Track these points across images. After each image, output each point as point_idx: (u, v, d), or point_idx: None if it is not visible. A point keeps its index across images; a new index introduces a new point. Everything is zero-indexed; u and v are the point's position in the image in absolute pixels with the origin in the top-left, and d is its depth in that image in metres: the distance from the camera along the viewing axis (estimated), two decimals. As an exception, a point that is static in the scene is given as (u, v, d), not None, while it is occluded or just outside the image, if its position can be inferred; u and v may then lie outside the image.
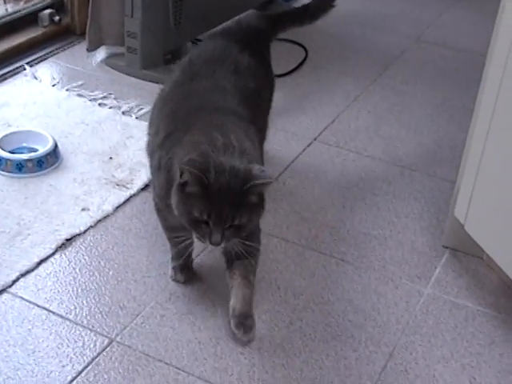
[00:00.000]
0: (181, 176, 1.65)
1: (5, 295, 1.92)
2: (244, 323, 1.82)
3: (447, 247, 2.19)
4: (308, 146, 2.61)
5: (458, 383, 1.79)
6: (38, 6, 3.10)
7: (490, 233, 2.00)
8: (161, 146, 1.84)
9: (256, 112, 1.98)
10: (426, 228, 2.27)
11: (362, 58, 3.25)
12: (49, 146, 2.36)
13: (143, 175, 2.34)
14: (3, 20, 3.00)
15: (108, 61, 2.97)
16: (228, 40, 2.09)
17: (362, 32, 3.50)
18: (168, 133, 1.85)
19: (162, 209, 1.87)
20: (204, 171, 1.62)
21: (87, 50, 2.95)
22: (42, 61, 2.97)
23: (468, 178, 2.01)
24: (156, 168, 1.85)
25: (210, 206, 1.64)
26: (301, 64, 3.11)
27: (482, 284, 2.09)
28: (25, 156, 2.33)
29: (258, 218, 1.76)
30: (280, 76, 2.98)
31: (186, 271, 2.01)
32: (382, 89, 3.01)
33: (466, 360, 1.86)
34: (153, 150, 1.91)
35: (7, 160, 2.31)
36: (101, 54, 3.01)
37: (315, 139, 2.65)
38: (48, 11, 3.07)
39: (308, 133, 2.68)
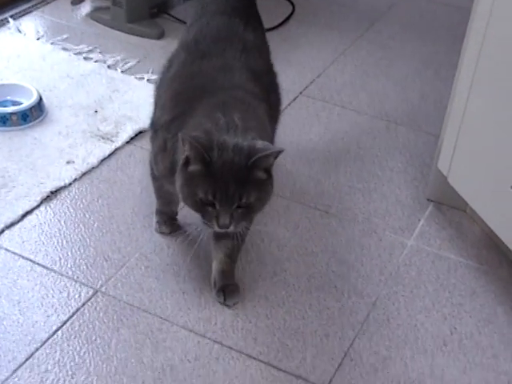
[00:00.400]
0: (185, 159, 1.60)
1: (-10, 247, 1.94)
2: (225, 292, 1.85)
3: (431, 200, 2.21)
4: (294, 100, 2.61)
5: (439, 333, 1.82)
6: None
7: (473, 185, 2.01)
8: (167, 128, 1.78)
9: (267, 88, 1.92)
10: (410, 181, 2.28)
11: (349, 12, 3.24)
12: (33, 100, 2.35)
13: (128, 128, 2.34)
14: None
15: (93, 14, 2.95)
16: (229, 16, 2.01)
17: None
18: (174, 116, 1.78)
19: (160, 178, 1.85)
20: (206, 147, 1.56)
21: (71, 3, 2.93)
22: (25, 14, 2.95)
23: (451, 130, 2.02)
24: (161, 149, 1.80)
25: (215, 184, 1.57)
26: (288, 18, 3.10)
27: (464, 236, 2.11)
28: (9, 109, 2.33)
29: (267, 198, 1.66)
30: (267, 30, 2.97)
31: (170, 223, 2.01)
32: (369, 43, 3.00)
33: (448, 310, 1.88)
34: (156, 129, 1.86)
35: (-9, 113, 2.31)
36: (86, 7, 2.99)
37: (301, 93, 2.65)
38: (32, -36, 3.04)
39: (294, 87, 2.67)
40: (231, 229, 1.62)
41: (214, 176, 1.57)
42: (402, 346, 1.78)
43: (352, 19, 3.18)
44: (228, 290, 1.85)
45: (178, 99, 1.81)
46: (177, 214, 2.02)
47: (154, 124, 1.91)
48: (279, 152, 1.60)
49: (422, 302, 1.90)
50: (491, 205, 1.95)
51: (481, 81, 1.89)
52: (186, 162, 1.60)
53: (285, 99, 2.57)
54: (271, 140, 1.81)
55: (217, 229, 1.62)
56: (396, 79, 2.78)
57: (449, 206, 2.18)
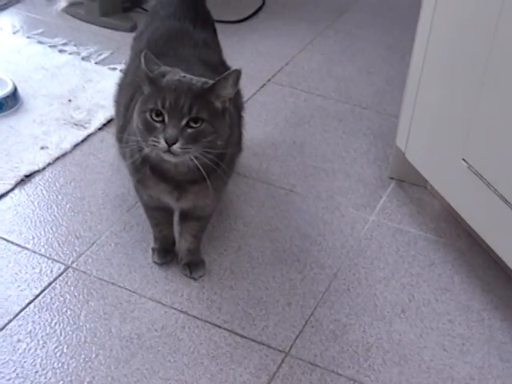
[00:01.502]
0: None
1: (-35, 228, 2.01)
2: (191, 266, 1.92)
3: (393, 178, 2.29)
4: (262, 86, 2.70)
5: (397, 300, 1.90)
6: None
7: (428, 160, 2.10)
8: (121, 133, 1.82)
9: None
10: (373, 161, 2.36)
11: (318, 4, 3.33)
12: (8, 89, 2.43)
13: (100, 116, 2.42)
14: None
15: (68, 9, 3.04)
16: (178, 18, 2.03)
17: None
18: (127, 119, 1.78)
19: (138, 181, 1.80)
20: (163, 71, 1.57)
21: (46, -1, 3.02)
22: (2, 10, 3.03)
23: (407, 108, 2.11)
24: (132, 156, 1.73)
25: (165, 95, 1.53)
26: (258, 11, 3.19)
27: (424, 211, 2.19)
28: (-16, 99, 2.41)
29: (220, 130, 1.60)
30: (237, 22, 3.07)
31: (164, 253, 1.96)
32: (336, 33, 3.09)
33: (406, 280, 1.96)
34: (121, 138, 1.84)
35: (-33, 103, 2.38)
36: (61, 2, 3.07)
37: (269, 80, 2.73)
38: (7, -39, 3.13)
39: (262, 74, 2.76)
40: (177, 148, 1.54)
41: (166, 90, 1.54)
42: (362, 314, 1.86)
43: (321, 10, 3.27)
44: (193, 264, 1.93)
45: (135, 103, 1.73)
46: (174, 243, 1.98)
47: (118, 137, 1.90)
48: (238, 73, 1.57)
49: (382, 272, 1.98)
50: (446, 178, 2.03)
51: (431, 60, 1.99)
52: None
53: (253, 86, 2.68)
54: (237, 125, 1.87)
55: (163, 144, 1.54)
56: (362, 65, 2.87)
57: (410, 183, 2.27)
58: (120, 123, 1.89)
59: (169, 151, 1.54)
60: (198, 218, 1.87)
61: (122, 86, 1.99)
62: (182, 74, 1.59)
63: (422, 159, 2.12)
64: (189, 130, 1.55)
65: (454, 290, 1.94)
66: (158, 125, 1.54)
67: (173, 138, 1.53)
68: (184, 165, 1.62)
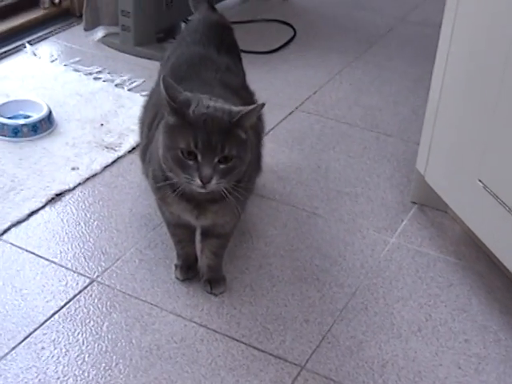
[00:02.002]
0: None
1: (-4, 242, 2.09)
2: (212, 282, 1.97)
3: (415, 203, 2.32)
4: (289, 114, 2.76)
5: (414, 319, 1.92)
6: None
7: (447, 182, 2.14)
8: (143, 152, 1.90)
9: (247, 102, 1.90)
10: (396, 186, 2.40)
11: (348, 36, 3.39)
12: (43, 113, 2.52)
13: (131, 139, 2.49)
14: (6, 2, 3.18)
15: (104, 39, 3.15)
16: (203, 45, 2.08)
17: (349, 12, 3.66)
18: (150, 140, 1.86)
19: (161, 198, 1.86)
20: (185, 100, 1.61)
21: (84, 29, 3.12)
22: (42, 40, 3.14)
23: (426, 131, 2.17)
24: (147, 164, 1.85)
25: (197, 134, 1.58)
26: (289, 42, 3.26)
27: (444, 235, 2.21)
28: (21, 121, 2.50)
29: (246, 159, 1.67)
30: (267, 53, 3.15)
31: (186, 269, 2.01)
32: (365, 64, 3.14)
33: (424, 300, 1.99)
34: (144, 158, 1.93)
35: (4, 125, 2.48)
36: (98, 33, 3.19)
37: (297, 108, 2.79)
38: (48, -6, 3.25)
39: (290, 102, 2.82)
40: (213, 184, 1.61)
41: (195, 127, 1.59)
42: (378, 331, 1.89)
43: (351, 42, 3.33)
44: (214, 280, 1.98)
45: (157, 123, 1.82)
46: (196, 260, 2.02)
47: (141, 156, 1.97)
48: (262, 106, 1.65)
49: (400, 292, 2.01)
50: (463, 199, 2.07)
51: (448, 86, 2.08)
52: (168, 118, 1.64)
53: (280, 114, 2.74)
54: (256, 145, 1.92)
55: (198, 183, 1.60)
56: (389, 95, 2.92)
57: (431, 207, 2.30)
58: (143, 143, 1.96)
59: (203, 187, 1.62)
60: (218, 235, 1.92)
61: (146, 108, 2.06)
62: (206, 103, 1.63)
63: (440, 181, 2.16)
64: (221, 166, 1.61)
65: (471, 310, 1.96)
66: (191, 163, 1.60)
67: (208, 177, 1.59)
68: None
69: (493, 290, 2.03)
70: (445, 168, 2.12)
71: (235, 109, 1.63)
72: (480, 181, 1.93)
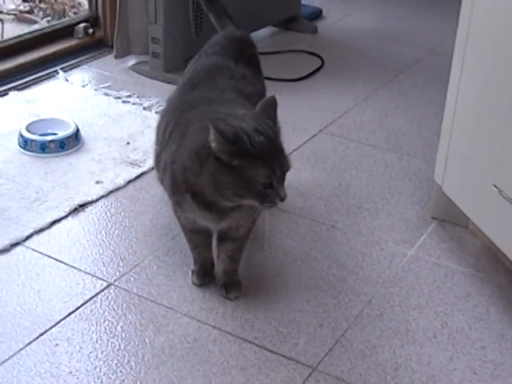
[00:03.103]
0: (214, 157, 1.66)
1: (18, 247, 2.12)
2: (227, 286, 1.99)
3: (435, 218, 2.32)
4: (313, 136, 2.78)
5: (430, 326, 1.91)
6: (75, 19, 3.40)
7: (463, 190, 2.15)
8: (158, 159, 1.94)
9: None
10: (417, 203, 2.40)
11: (375, 66, 3.43)
12: (70, 130, 2.59)
13: (156, 156, 2.54)
14: (43, 31, 3.30)
15: (134, 67, 3.22)
16: (222, 56, 2.14)
17: (378, 44, 3.70)
18: (163, 145, 1.91)
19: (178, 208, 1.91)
20: (234, 136, 1.64)
21: (115, 56, 3.20)
22: (74, 67, 3.22)
23: (443, 142, 2.19)
24: (162, 170, 1.89)
25: (271, 164, 1.66)
26: (316, 71, 3.30)
27: (464, 248, 2.21)
28: (48, 137, 2.56)
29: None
30: (295, 80, 3.19)
31: (202, 274, 2.03)
32: (391, 92, 3.17)
33: (441, 308, 1.98)
34: (159, 165, 1.95)
35: (32, 141, 2.54)
36: (128, 61, 3.27)
37: (321, 131, 2.82)
38: (83, 25, 3.35)
39: (314, 125, 2.85)
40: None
41: (264, 158, 1.66)
42: (393, 337, 1.88)
43: (378, 72, 3.36)
44: (230, 284, 1.99)
45: (171, 129, 1.89)
46: (213, 266, 2.04)
47: (156, 162, 1.99)
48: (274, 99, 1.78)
49: (417, 301, 2.00)
50: (478, 204, 2.08)
51: (463, 98, 2.14)
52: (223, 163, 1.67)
53: (304, 135, 2.77)
54: None
55: (279, 203, 1.70)
56: (413, 120, 2.93)
57: (452, 222, 2.29)
58: (158, 149, 2.00)
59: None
60: (233, 239, 1.94)
61: (162, 115, 2.10)
62: (253, 125, 1.68)
63: (457, 189, 2.17)
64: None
65: (488, 319, 1.94)
66: (269, 191, 1.68)
67: (286, 196, 1.70)
68: None
69: None
70: (461, 176, 2.12)
71: (273, 126, 1.72)
72: (495, 186, 1.93)
